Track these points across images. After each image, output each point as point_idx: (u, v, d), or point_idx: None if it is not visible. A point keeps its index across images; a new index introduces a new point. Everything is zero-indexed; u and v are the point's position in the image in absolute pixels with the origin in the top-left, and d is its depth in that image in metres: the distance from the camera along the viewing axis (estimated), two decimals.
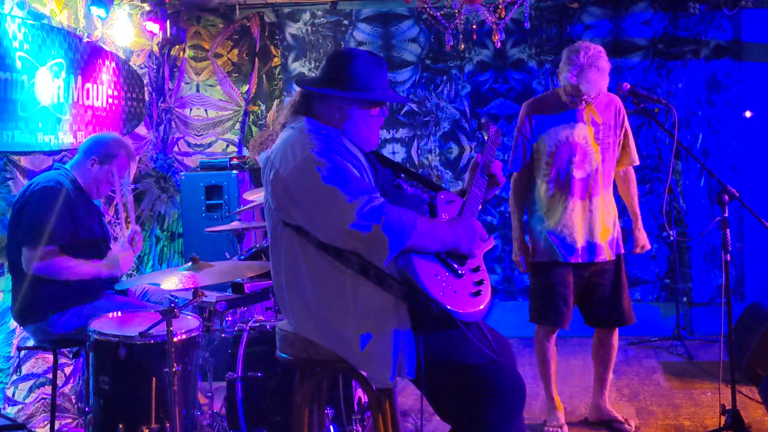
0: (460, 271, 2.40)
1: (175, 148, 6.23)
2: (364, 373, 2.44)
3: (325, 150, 2.34)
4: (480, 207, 2.65)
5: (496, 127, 2.89)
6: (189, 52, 6.22)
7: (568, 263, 3.78)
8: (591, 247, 3.77)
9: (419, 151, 6.07)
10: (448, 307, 2.28)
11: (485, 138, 2.85)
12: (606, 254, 3.80)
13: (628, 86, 3.55)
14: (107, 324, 3.25)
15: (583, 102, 3.72)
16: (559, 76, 3.75)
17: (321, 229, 2.33)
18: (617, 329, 3.96)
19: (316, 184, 2.29)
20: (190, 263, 3.26)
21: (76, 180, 3.63)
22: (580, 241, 3.76)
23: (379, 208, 2.26)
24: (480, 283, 2.43)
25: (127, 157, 3.74)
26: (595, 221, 3.77)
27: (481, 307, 2.37)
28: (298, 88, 2.59)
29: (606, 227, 3.79)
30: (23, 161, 4.16)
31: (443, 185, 3.61)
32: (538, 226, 3.83)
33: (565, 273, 3.80)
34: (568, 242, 3.76)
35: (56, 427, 3.75)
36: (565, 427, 3.92)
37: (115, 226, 5.20)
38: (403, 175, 2.69)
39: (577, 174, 3.73)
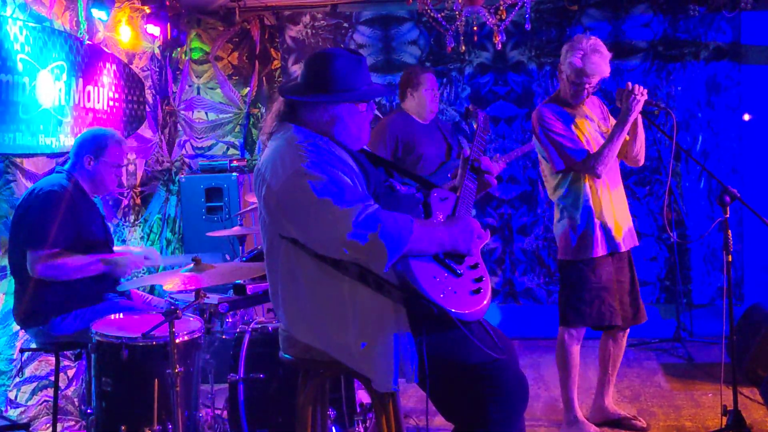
0: (458, 271, 2.38)
1: (183, 151, 6.24)
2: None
3: (315, 161, 2.31)
4: (474, 201, 2.62)
5: (484, 113, 2.82)
6: (190, 55, 6.22)
7: (611, 254, 3.77)
8: (630, 234, 3.85)
9: None
10: (450, 309, 2.27)
11: (474, 126, 2.81)
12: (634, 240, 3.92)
13: (629, 85, 3.61)
14: (109, 325, 3.25)
15: (585, 91, 3.72)
16: (561, 69, 3.77)
17: (317, 242, 2.31)
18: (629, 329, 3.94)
19: (308, 197, 2.27)
20: (192, 264, 3.26)
21: (78, 182, 3.63)
22: (622, 230, 3.79)
23: (374, 215, 2.25)
24: (479, 280, 2.41)
25: (116, 143, 3.72)
26: (624, 209, 3.85)
27: (483, 304, 2.36)
28: (281, 97, 2.54)
29: (628, 215, 3.90)
30: (25, 163, 4.17)
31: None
32: (587, 219, 3.75)
33: (608, 264, 3.78)
34: (613, 233, 3.76)
35: (58, 429, 3.75)
36: None
37: (123, 228, 5.20)
38: (395, 173, 2.66)
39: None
